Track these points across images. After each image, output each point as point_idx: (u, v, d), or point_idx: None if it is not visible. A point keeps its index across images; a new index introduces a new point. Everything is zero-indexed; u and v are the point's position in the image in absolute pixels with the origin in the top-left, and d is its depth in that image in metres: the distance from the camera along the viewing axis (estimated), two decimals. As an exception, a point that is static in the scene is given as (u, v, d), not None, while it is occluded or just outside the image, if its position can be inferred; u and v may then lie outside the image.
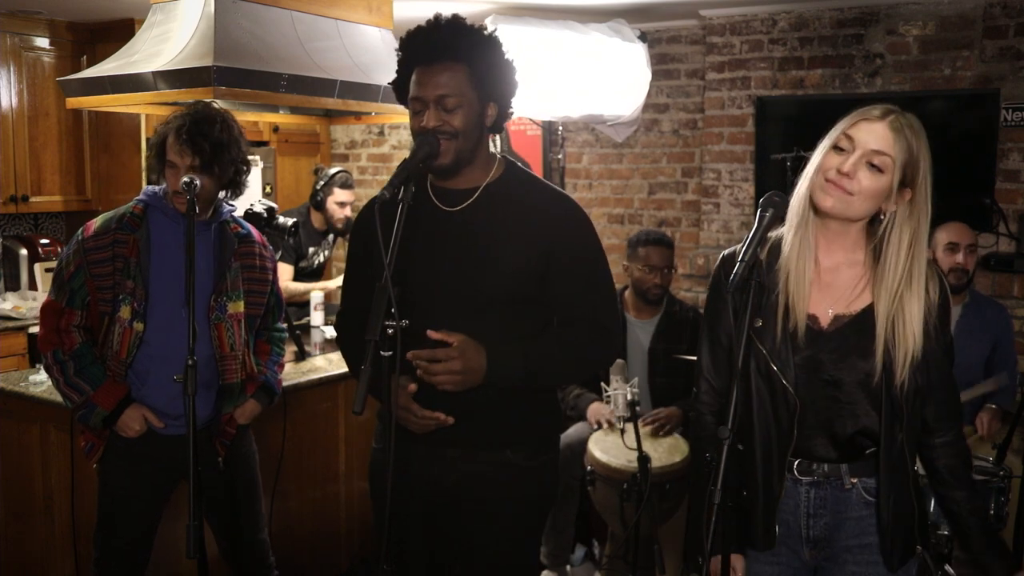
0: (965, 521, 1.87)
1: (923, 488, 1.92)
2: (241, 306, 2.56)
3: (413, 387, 1.96)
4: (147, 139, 2.54)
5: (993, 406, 3.36)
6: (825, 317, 1.81)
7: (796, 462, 1.85)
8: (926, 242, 1.77)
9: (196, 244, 2.41)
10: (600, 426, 3.45)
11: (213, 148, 2.41)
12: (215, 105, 2.55)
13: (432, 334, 1.91)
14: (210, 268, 2.51)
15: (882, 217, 1.76)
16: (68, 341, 2.45)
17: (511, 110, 2.06)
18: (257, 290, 2.63)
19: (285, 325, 2.84)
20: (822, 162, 1.75)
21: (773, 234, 1.83)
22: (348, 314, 2.23)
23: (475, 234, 2.00)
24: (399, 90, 2.04)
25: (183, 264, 2.44)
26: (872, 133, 1.71)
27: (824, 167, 1.74)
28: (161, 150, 2.46)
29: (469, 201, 2.03)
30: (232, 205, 2.64)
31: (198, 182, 2.33)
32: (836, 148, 1.74)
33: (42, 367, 2.62)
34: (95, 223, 2.50)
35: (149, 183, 2.59)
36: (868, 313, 1.78)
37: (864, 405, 1.79)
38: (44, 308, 2.50)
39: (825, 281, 1.82)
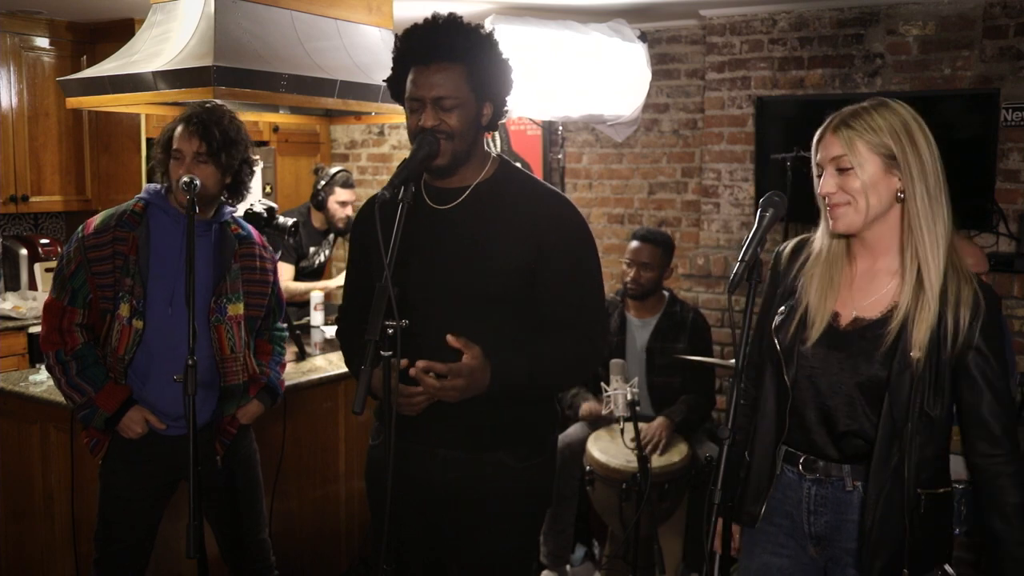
0: (1003, 551, 1.78)
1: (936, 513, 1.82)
2: (241, 308, 2.56)
3: (404, 362, 1.92)
4: (147, 139, 2.55)
5: None
6: (847, 317, 1.84)
7: (802, 458, 1.88)
8: (938, 225, 1.75)
9: (196, 245, 2.41)
10: (588, 419, 3.47)
11: (223, 138, 2.43)
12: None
13: (452, 341, 1.90)
14: (210, 269, 2.51)
15: (899, 196, 1.77)
16: (70, 341, 2.44)
17: (506, 109, 2.06)
18: (257, 291, 2.62)
19: (285, 325, 2.83)
20: (818, 192, 1.85)
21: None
22: (348, 313, 2.23)
23: (464, 233, 1.99)
24: (394, 87, 2.04)
25: (181, 263, 2.45)
26: (824, 149, 1.81)
27: (819, 197, 1.84)
28: (168, 143, 2.47)
29: (459, 200, 2.02)
30: (233, 207, 2.64)
31: (198, 181, 2.33)
32: (818, 177, 1.84)
33: (43, 367, 2.61)
34: (95, 220, 2.49)
35: (150, 180, 2.59)
36: (887, 319, 1.79)
37: (863, 408, 1.80)
38: (46, 307, 2.49)
39: (859, 285, 1.85)
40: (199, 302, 2.44)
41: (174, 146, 2.44)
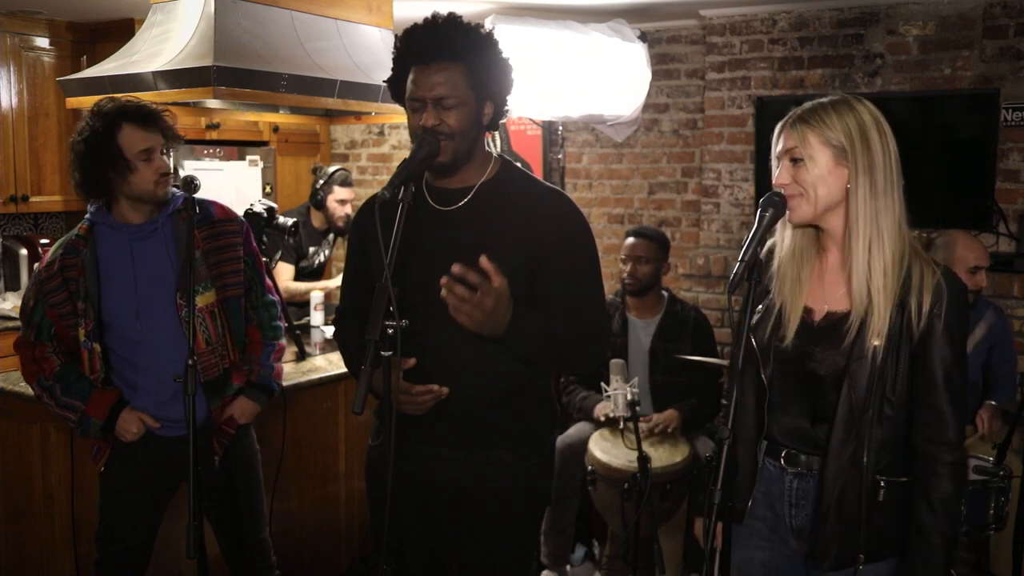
0: (925, 541, 1.79)
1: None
2: (212, 296, 2.49)
3: (412, 361, 1.94)
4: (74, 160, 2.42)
5: (992, 403, 3.36)
6: (820, 312, 1.87)
7: (784, 451, 1.91)
8: (881, 219, 1.78)
9: (144, 248, 2.42)
10: (604, 419, 3.47)
11: (171, 129, 2.41)
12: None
13: (484, 264, 1.83)
14: (171, 267, 2.45)
15: (848, 188, 1.80)
16: (47, 367, 2.46)
17: (507, 108, 2.06)
18: (230, 270, 2.55)
19: (276, 298, 2.74)
20: (773, 183, 1.87)
21: (770, 237, 1.93)
22: (346, 313, 2.23)
23: (469, 233, 1.99)
24: (394, 87, 2.03)
25: (138, 274, 2.43)
26: (779, 142, 1.85)
27: (774, 188, 1.86)
28: (113, 151, 2.34)
29: (464, 200, 2.03)
30: (181, 192, 2.48)
31: (199, 181, 2.32)
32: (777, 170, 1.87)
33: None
34: (48, 253, 2.48)
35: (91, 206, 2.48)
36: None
37: (833, 400, 1.83)
38: (17, 344, 2.51)
39: (829, 279, 1.88)
40: (166, 305, 2.43)
41: (140, 147, 2.34)
